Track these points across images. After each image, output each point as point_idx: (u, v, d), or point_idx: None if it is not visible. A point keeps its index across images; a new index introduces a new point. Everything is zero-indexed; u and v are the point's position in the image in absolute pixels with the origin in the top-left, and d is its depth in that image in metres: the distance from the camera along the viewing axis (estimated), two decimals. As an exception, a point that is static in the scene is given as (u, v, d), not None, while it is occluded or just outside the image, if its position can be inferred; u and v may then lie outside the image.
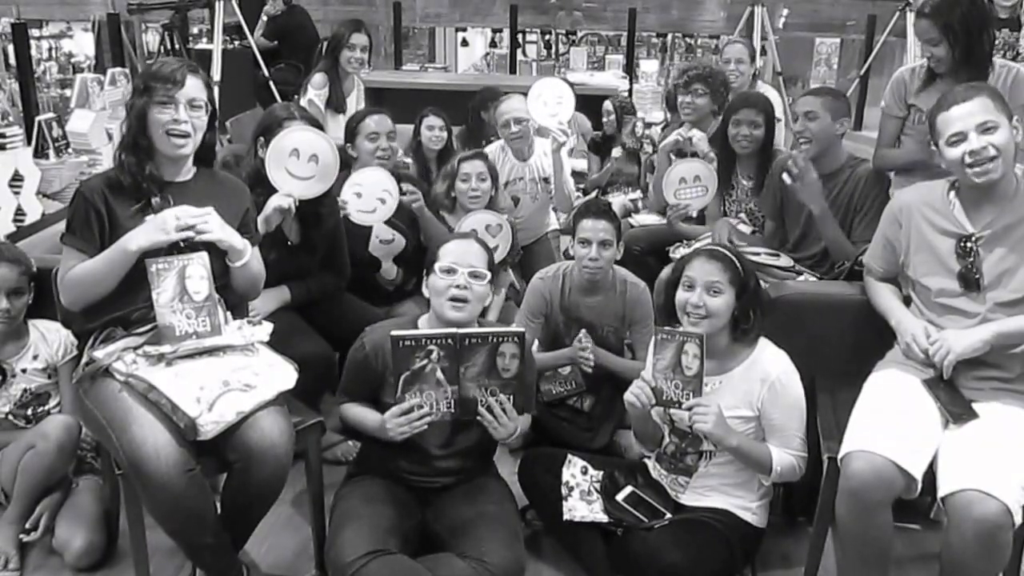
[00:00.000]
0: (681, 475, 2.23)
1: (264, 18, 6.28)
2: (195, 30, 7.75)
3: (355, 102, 4.30)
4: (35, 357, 2.43)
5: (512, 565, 1.98)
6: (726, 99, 3.50)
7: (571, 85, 3.69)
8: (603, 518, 2.17)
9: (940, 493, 1.83)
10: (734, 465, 2.15)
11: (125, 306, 2.03)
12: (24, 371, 2.42)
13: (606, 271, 2.68)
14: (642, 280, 2.78)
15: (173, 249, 2.00)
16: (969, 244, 2.04)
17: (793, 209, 2.90)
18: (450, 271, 2.10)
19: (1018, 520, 1.75)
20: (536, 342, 2.76)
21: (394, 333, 1.97)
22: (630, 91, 6.21)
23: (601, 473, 2.28)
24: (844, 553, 1.99)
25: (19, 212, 3.16)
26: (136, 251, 1.96)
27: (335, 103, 4.17)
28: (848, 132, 2.81)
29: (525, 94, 3.49)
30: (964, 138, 1.98)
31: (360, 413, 2.17)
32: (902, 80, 2.83)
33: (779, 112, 3.42)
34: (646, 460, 2.36)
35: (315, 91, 4.13)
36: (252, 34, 6.04)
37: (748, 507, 2.18)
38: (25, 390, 2.42)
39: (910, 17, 6.07)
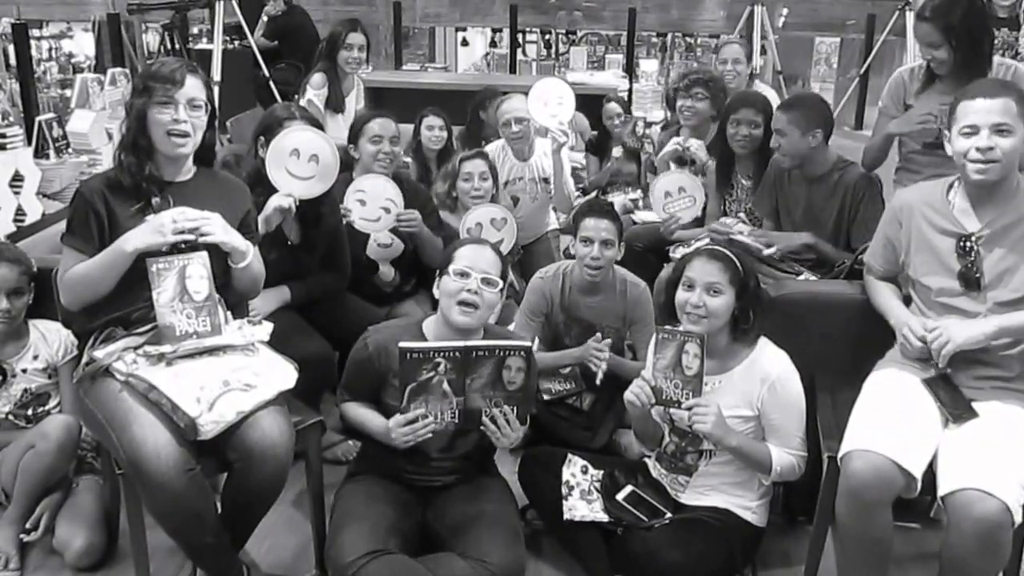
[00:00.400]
0: (681, 474, 2.23)
1: (264, 18, 6.29)
2: (195, 30, 7.75)
3: (355, 102, 4.30)
4: (35, 357, 2.43)
5: (512, 565, 1.98)
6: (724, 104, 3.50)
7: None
8: (603, 517, 2.18)
9: (940, 492, 1.83)
10: (734, 464, 2.15)
11: (125, 306, 2.03)
12: (24, 371, 2.42)
13: (607, 271, 2.68)
14: (643, 278, 2.78)
15: (173, 249, 2.00)
16: (969, 243, 2.04)
17: (789, 210, 2.90)
18: (463, 274, 2.08)
19: (1018, 519, 1.75)
20: (536, 341, 2.76)
21: (402, 345, 1.95)
22: (630, 91, 6.21)
23: (601, 472, 2.28)
24: (844, 552, 1.99)
25: (19, 212, 3.16)
26: (132, 252, 1.96)
27: (334, 103, 4.16)
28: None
29: (525, 94, 3.49)
30: (976, 132, 1.97)
31: (363, 415, 2.16)
32: (901, 81, 2.82)
33: (778, 112, 3.42)
34: (646, 459, 2.36)
35: (314, 91, 4.13)
36: (252, 34, 6.04)
37: (748, 506, 2.18)
38: (25, 390, 2.42)
39: (910, 16, 6.08)
